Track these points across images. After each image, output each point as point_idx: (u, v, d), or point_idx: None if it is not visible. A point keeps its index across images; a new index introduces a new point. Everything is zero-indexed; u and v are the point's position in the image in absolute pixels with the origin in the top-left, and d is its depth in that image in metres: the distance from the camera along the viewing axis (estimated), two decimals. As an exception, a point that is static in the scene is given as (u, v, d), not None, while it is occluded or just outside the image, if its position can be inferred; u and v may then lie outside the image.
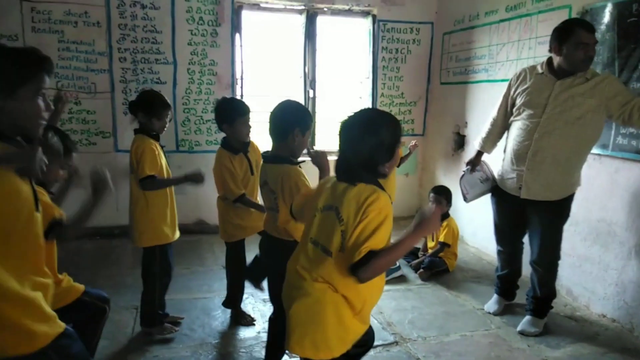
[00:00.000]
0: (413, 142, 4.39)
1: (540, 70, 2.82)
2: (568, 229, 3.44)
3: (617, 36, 3.08)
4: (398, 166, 4.54)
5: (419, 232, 1.56)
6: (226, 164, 2.80)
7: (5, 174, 1.35)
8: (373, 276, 1.52)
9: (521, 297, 3.31)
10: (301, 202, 1.94)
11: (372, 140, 1.54)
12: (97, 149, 4.60)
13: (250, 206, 2.84)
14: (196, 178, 2.71)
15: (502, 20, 4.23)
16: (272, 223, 2.26)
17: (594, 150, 3.22)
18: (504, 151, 3.06)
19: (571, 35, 2.61)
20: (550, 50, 2.77)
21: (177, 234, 2.87)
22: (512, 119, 2.96)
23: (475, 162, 3.23)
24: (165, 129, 2.77)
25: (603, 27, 3.18)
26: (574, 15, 3.40)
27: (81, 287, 2.14)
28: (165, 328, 2.88)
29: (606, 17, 3.15)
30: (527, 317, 3.07)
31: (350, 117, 1.63)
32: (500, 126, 3.09)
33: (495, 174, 3.14)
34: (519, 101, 2.89)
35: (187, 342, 2.86)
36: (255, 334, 2.96)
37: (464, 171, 3.31)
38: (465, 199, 3.32)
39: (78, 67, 4.44)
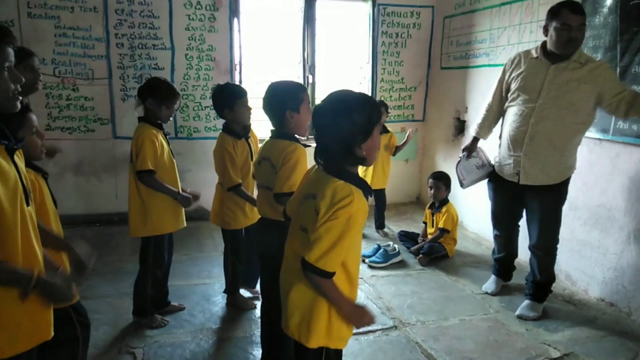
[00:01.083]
0: (411, 130, 4.38)
1: (534, 55, 2.81)
2: (567, 214, 3.45)
3: (619, 19, 3.04)
4: (394, 154, 4.55)
5: (348, 316, 1.62)
6: (228, 148, 2.79)
7: None
8: (314, 286, 1.55)
9: (519, 278, 3.34)
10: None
11: (344, 123, 1.51)
12: (95, 135, 4.59)
13: (242, 197, 2.83)
14: (185, 203, 2.73)
15: (503, 4, 4.17)
16: (266, 203, 2.22)
17: (595, 134, 3.22)
18: (500, 137, 3.06)
19: (556, 16, 2.60)
20: (544, 33, 2.75)
21: (182, 224, 2.85)
22: (507, 104, 2.95)
23: (471, 149, 3.25)
24: (170, 119, 2.75)
25: (605, 10, 3.13)
26: (575, -2, 3.35)
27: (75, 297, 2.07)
28: (155, 319, 2.86)
29: (608, 0, 3.11)
30: (526, 302, 3.08)
31: (322, 101, 1.60)
32: (496, 112, 3.08)
33: (492, 160, 3.15)
34: (513, 86, 2.87)
35: (188, 327, 2.88)
36: (255, 318, 2.98)
37: (460, 157, 3.33)
38: (462, 185, 3.35)
39: (75, 53, 4.40)
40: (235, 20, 4.78)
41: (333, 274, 1.51)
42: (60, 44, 4.35)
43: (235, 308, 3.10)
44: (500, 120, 3.09)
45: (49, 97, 4.40)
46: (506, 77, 2.95)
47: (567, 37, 2.60)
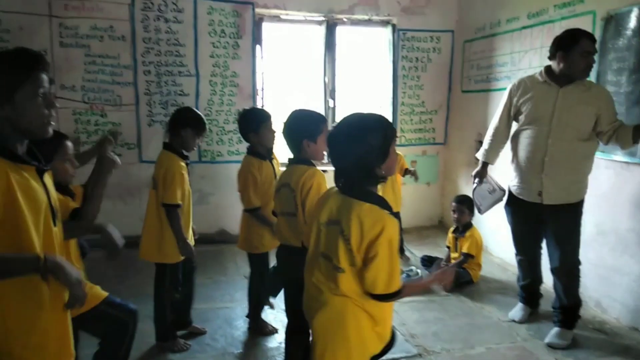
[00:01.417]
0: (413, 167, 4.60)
1: (540, 79, 2.89)
2: (596, 238, 3.37)
3: (644, 41, 3.02)
4: (403, 175, 4.50)
5: (433, 282, 1.82)
6: (253, 170, 2.82)
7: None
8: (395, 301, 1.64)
9: (547, 305, 3.25)
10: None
11: (360, 147, 1.52)
12: (122, 160, 4.56)
13: (260, 221, 2.84)
14: (184, 252, 2.72)
15: (524, 27, 4.18)
16: (287, 230, 2.25)
17: (622, 158, 3.17)
18: (512, 161, 3.07)
19: (577, 44, 2.71)
20: (550, 58, 2.85)
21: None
22: (518, 127, 3.00)
23: (482, 174, 3.29)
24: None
25: (629, 32, 3.11)
26: (598, 21, 3.34)
27: (102, 294, 2.09)
28: (177, 343, 2.86)
29: (632, 22, 3.09)
30: (555, 329, 3.00)
31: (334, 129, 1.61)
32: (503, 135, 3.13)
33: (508, 184, 3.16)
34: (524, 109, 2.94)
35: (210, 351, 2.87)
36: (277, 345, 2.96)
37: (474, 184, 3.38)
38: (480, 211, 3.44)
39: (104, 80, 4.55)
40: (258, 47, 4.89)
41: (401, 290, 1.57)
42: (90, 72, 4.50)
43: (257, 333, 3.08)
44: (509, 145, 3.11)
45: (77, 122, 4.53)
46: (514, 101, 3.00)
47: (586, 64, 2.74)
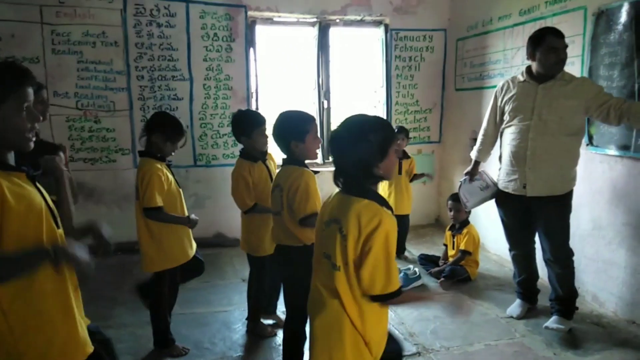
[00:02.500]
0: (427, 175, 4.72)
1: (522, 78, 3.01)
2: (591, 233, 3.39)
3: (635, 36, 3.03)
4: (411, 180, 4.55)
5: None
6: (244, 173, 2.82)
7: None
8: (394, 306, 1.60)
9: (544, 301, 3.26)
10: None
11: (360, 146, 1.56)
12: (116, 165, 4.68)
13: (262, 212, 2.81)
14: (194, 224, 2.74)
15: (516, 25, 4.19)
16: (280, 229, 2.29)
17: (615, 152, 3.19)
18: (499, 158, 3.19)
19: (542, 42, 2.83)
20: (528, 58, 2.96)
21: (191, 252, 2.85)
22: (503, 126, 3.12)
23: (472, 172, 3.41)
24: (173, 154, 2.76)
25: (620, 27, 3.13)
26: (589, 17, 3.36)
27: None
28: (175, 348, 2.85)
29: (623, 17, 3.10)
30: (554, 317, 3.05)
31: (338, 127, 1.66)
32: (492, 135, 3.26)
33: (496, 180, 3.25)
34: (507, 108, 3.05)
35: (209, 355, 2.86)
36: (276, 346, 2.96)
37: (461, 181, 3.50)
38: (466, 207, 3.55)
39: (97, 86, 4.54)
40: (251, 50, 4.89)
41: (400, 290, 1.56)
42: (83, 78, 4.49)
43: (256, 336, 3.08)
44: (498, 142, 3.22)
45: (71, 129, 4.52)
46: (499, 102, 3.14)
47: (555, 59, 2.82)
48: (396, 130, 4.04)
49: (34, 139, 1.42)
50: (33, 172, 1.45)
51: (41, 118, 1.43)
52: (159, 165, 2.63)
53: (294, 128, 2.23)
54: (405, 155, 4.46)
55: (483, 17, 4.65)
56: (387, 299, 1.55)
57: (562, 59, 2.84)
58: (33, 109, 1.39)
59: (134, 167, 4.70)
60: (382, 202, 1.59)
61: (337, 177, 1.66)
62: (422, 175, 4.62)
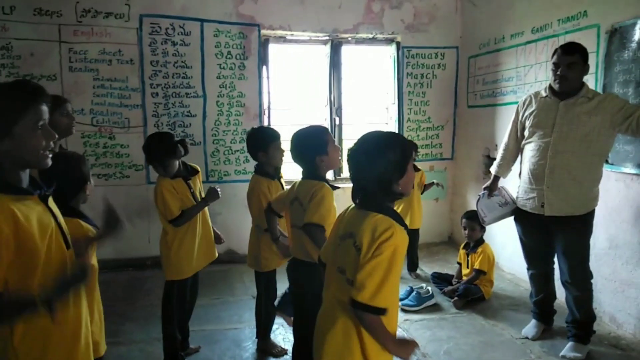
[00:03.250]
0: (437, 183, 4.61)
1: (544, 94, 2.96)
2: (608, 252, 3.32)
3: (649, 53, 3.01)
4: (422, 192, 4.52)
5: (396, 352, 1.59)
6: (263, 190, 2.83)
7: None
8: (367, 326, 1.51)
9: (561, 322, 3.18)
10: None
11: (379, 163, 1.55)
12: (130, 181, 4.72)
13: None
14: (213, 196, 2.83)
15: (528, 42, 4.19)
16: (297, 243, 2.27)
17: (631, 170, 3.14)
18: (519, 175, 3.12)
19: (552, 57, 2.84)
20: None
21: (200, 265, 2.89)
22: (524, 142, 3.06)
23: (492, 187, 3.33)
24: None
25: (634, 44, 3.11)
26: (602, 35, 3.35)
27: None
28: None
29: (637, 35, 3.09)
30: (570, 343, 2.96)
31: (355, 144, 1.64)
32: (513, 150, 3.19)
33: (515, 197, 3.18)
34: (528, 124, 3.00)
35: (219, 374, 2.83)
36: (286, 366, 2.92)
37: (479, 195, 3.41)
38: (483, 222, 3.44)
39: (112, 103, 4.61)
40: (264, 67, 4.94)
41: (385, 310, 1.49)
42: (98, 95, 4.56)
43: (266, 354, 3.04)
44: (519, 158, 3.16)
45: (86, 145, 4.58)
46: (520, 117, 3.08)
47: (555, 75, 2.79)
48: None
49: (50, 155, 1.41)
50: (45, 191, 1.44)
51: (56, 136, 1.41)
52: (166, 183, 2.75)
53: (315, 143, 2.24)
54: (415, 168, 4.43)
55: (495, 34, 4.65)
56: (368, 311, 1.46)
57: (562, 76, 2.76)
58: (48, 126, 1.38)
59: (147, 183, 4.74)
60: (398, 218, 1.57)
61: (355, 194, 1.65)
62: (432, 184, 4.55)
